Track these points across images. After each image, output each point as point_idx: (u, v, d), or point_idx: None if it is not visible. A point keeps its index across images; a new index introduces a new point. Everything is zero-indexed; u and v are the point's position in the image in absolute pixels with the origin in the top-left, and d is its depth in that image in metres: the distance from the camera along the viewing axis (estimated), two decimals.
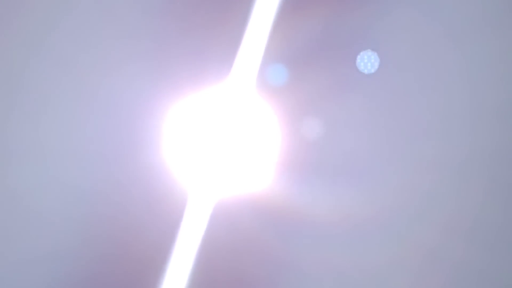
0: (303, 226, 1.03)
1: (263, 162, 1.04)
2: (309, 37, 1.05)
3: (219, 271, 1.01)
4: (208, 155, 1.04)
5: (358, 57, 1.00)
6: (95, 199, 1.01)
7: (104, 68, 1.03)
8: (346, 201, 1.03)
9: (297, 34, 1.05)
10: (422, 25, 1.06)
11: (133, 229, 1.01)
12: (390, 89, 1.05)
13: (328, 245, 1.03)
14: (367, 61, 1.03)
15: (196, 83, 1.04)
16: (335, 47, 1.05)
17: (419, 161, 1.04)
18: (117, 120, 1.03)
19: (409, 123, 1.05)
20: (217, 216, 1.02)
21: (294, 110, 1.04)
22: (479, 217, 1.04)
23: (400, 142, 1.04)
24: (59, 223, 1.01)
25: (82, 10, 1.04)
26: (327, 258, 1.03)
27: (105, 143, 1.02)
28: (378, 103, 1.05)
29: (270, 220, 1.03)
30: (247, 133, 1.04)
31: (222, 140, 1.04)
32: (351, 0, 1.05)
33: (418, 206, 1.04)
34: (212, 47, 1.04)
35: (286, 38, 1.04)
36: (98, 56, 1.03)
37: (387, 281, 1.03)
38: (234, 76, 1.04)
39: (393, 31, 1.06)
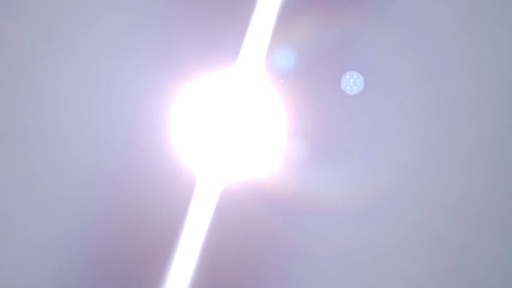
0: (310, 211, 1.03)
1: (270, 148, 1.04)
2: (316, 23, 1.05)
3: (226, 256, 1.02)
4: (216, 141, 1.04)
5: (343, 78, 1.01)
6: (103, 184, 1.01)
7: (113, 54, 1.03)
8: (353, 186, 1.04)
9: (305, 20, 1.05)
10: (428, 10, 1.07)
11: (141, 215, 1.01)
12: (396, 74, 1.05)
13: (335, 229, 1.03)
14: (353, 83, 1.04)
15: (204, 69, 1.04)
16: (342, 33, 1.05)
17: (426, 145, 1.05)
18: (126, 106, 1.03)
19: (416, 107, 1.05)
20: (225, 202, 1.03)
21: (301, 95, 1.05)
22: (484, 199, 1.04)
23: (407, 126, 1.05)
24: (68, 207, 1.01)
25: None
26: (335, 242, 1.03)
27: (113, 130, 1.02)
28: (384, 87, 1.05)
29: (277, 206, 1.03)
30: (255, 119, 1.05)
31: (229, 126, 1.04)
32: None
33: (425, 190, 1.04)
34: (220, 33, 1.04)
35: (294, 24, 1.05)
36: (107, 42, 1.04)
37: (395, 265, 1.03)
38: (241, 62, 1.04)
39: (394, 14, 1.06)
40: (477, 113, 1.06)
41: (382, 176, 1.04)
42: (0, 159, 1.02)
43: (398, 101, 1.06)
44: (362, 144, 1.05)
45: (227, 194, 1.03)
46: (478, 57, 1.07)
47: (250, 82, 1.05)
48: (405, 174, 1.05)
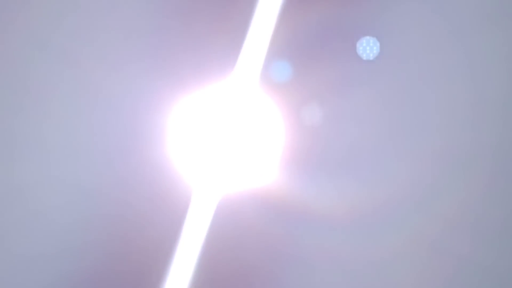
0: (307, 220, 1.03)
1: (267, 157, 1.04)
2: (312, 31, 1.04)
3: (223, 266, 1.02)
4: (213, 151, 1.04)
5: (358, 43, 1.00)
6: (99, 196, 1.02)
7: (108, 65, 1.04)
8: (350, 194, 1.03)
9: (300, 29, 1.04)
10: (425, 18, 1.05)
11: (137, 226, 1.02)
12: (393, 83, 1.05)
13: (332, 238, 1.03)
14: (367, 47, 1.03)
15: (200, 79, 1.04)
16: (338, 41, 1.04)
17: (422, 154, 1.04)
18: (121, 117, 1.03)
19: (412, 116, 1.04)
20: (222, 212, 1.03)
21: (297, 105, 1.04)
22: (481, 210, 1.03)
23: (403, 135, 1.04)
24: (63, 220, 1.02)
25: (86, 8, 1.04)
26: (332, 251, 1.03)
27: (109, 140, 1.03)
28: (381, 97, 1.04)
29: (274, 215, 1.03)
30: (251, 129, 1.05)
31: (226, 136, 1.04)
32: None
33: (421, 199, 1.04)
34: (216, 43, 1.04)
35: (289, 34, 1.04)
36: (102, 53, 1.04)
37: (391, 273, 1.03)
38: (238, 72, 1.04)
39: (395, 23, 1.05)
40: (477, 121, 1.05)
41: (380, 185, 1.03)
42: None
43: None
44: (359, 152, 1.04)
45: (224, 204, 1.03)
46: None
47: (247, 91, 1.04)
48: (402, 183, 1.04)
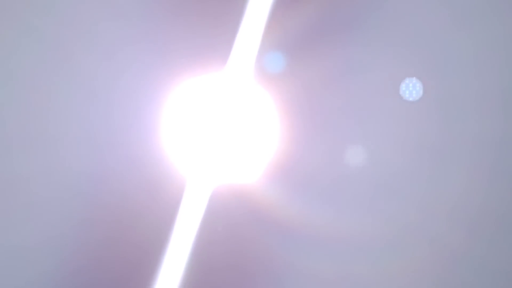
0: (297, 219, 1.03)
1: (262, 152, 1.04)
2: (307, 23, 1.04)
3: (215, 259, 1.02)
4: (206, 144, 1.04)
5: (403, 85, 1.00)
6: (92, 187, 1.02)
7: (101, 55, 1.04)
8: (342, 191, 1.03)
9: (295, 20, 1.04)
10: (425, 5, 1.05)
11: (130, 217, 1.02)
12: (391, 75, 1.04)
13: (323, 241, 1.02)
14: (410, 89, 1.02)
15: (193, 71, 1.04)
16: (333, 33, 1.04)
17: (420, 151, 1.03)
18: (114, 107, 1.03)
19: (410, 111, 1.04)
20: (214, 205, 1.02)
21: (293, 98, 1.04)
22: (481, 207, 1.02)
23: (401, 130, 1.03)
24: (56, 209, 1.02)
25: None
26: (321, 246, 1.02)
27: (102, 131, 1.03)
28: (378, 89, 1.04)
29: (266, 211, 1.03)
30: (245, 122, 1.04)
31: (220, 129, 1.04)
32: None
33: (418, 195, 1.02)
34: (210, 34, 1.04)
35: (284, 25, 1.04)
36: (95, 43, 1.04)
37: (384, 267, 1.02)
38: (232, 64, 1.04)
39: (386, 14, 1.04)
40: (476, 116, 1.04)
41: (374, 176, 1.03)
42: None
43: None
44: (354, 147, 1.03)
45: (216, 197, 1.02)
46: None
47: (241, 83, 1.04)
48: (398, 178, 1.03)
